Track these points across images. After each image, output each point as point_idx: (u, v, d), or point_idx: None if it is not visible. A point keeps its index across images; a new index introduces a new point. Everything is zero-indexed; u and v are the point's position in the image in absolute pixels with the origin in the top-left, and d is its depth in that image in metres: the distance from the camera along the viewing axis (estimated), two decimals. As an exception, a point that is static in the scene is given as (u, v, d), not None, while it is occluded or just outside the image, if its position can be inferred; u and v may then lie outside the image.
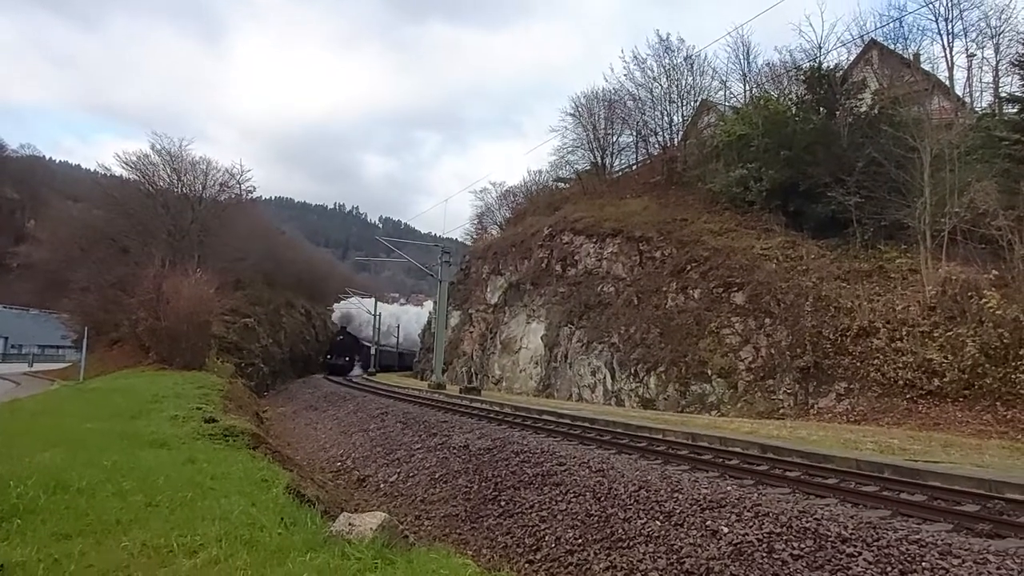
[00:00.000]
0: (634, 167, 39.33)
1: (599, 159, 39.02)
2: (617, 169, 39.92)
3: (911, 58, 28.47)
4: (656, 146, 36.42)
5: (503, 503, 9.01)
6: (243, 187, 43.41)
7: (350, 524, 5.16)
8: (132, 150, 57.96)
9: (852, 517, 5.86)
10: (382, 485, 11.90)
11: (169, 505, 5.92)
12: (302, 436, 18.60)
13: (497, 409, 16.26)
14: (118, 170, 39.42)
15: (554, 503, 8.36)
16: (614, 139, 38.89)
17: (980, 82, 27.08)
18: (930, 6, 26.06)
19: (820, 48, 27.44)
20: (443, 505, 9.91)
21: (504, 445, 10.97)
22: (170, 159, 37.83)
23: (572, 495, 8.34)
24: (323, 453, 15.61)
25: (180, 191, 38.15)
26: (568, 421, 14.33)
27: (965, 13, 26.10)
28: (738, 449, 10.82)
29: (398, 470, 12.18)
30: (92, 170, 44.70)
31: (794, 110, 26.01)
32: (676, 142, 35.12)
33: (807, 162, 22.96)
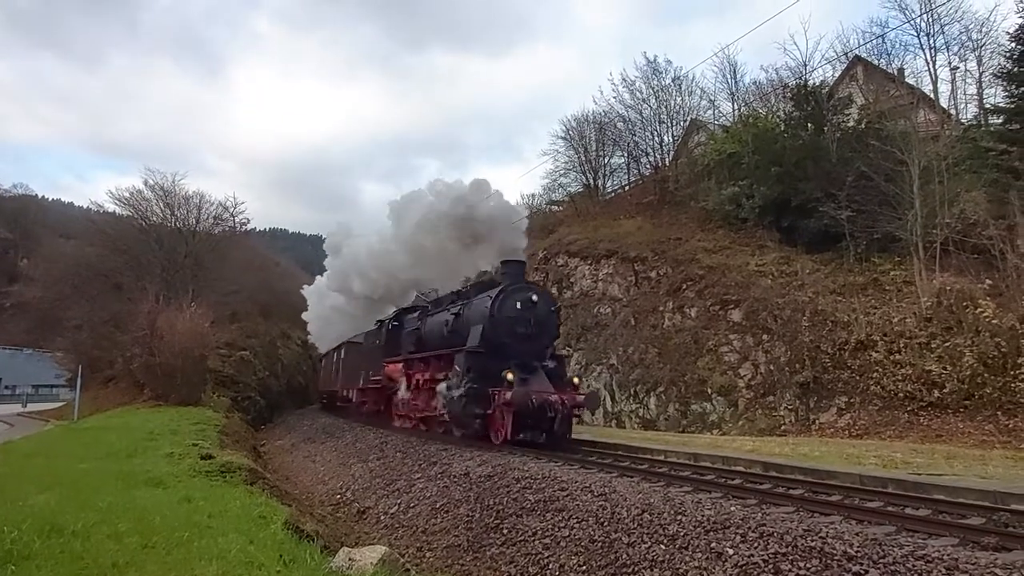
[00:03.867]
0: (626, 188, 39.64)
1: (591, 181, 39.35)
2: (609, 190, 40.23)
3: (895, 73, 28.97)
4: (647, 166, 36.75)
5: (505, 531, 8.89)
6: (237, 219, 43.49)
7: (350, 559, 5.10)
8: (126, 186, 58.15)
9: (857, 534, 5.79)
10: (382, 517, 11.75)
11: (166, 546, 5.83)
12: (300, 469, 18.40)
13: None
14: (111, 207, 39.50)
15: (557, 529, 8.25)
16: (605, 160, 39.29)
17: (964, 94, 27.57)
18: (911, 22, 26.58)
19: (805, 66, 27.89)
20: (445, 536, 9.78)
21: (505, 472, 10.86)
22: (163, 194, 37.94)
23: (575, 521, 8.23)
24: (322, 486, 15.43)
25: (173, 226, 38.19)
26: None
27: (946, 27, 26.63)
28: (740, 468, 10.75)
29: (398, 501, 12.03)
30: (85, 207, 44.74)
31: (782, 127, 26.38)
32: (667, 162, 35.45)
33: (798, 178, 23.19)
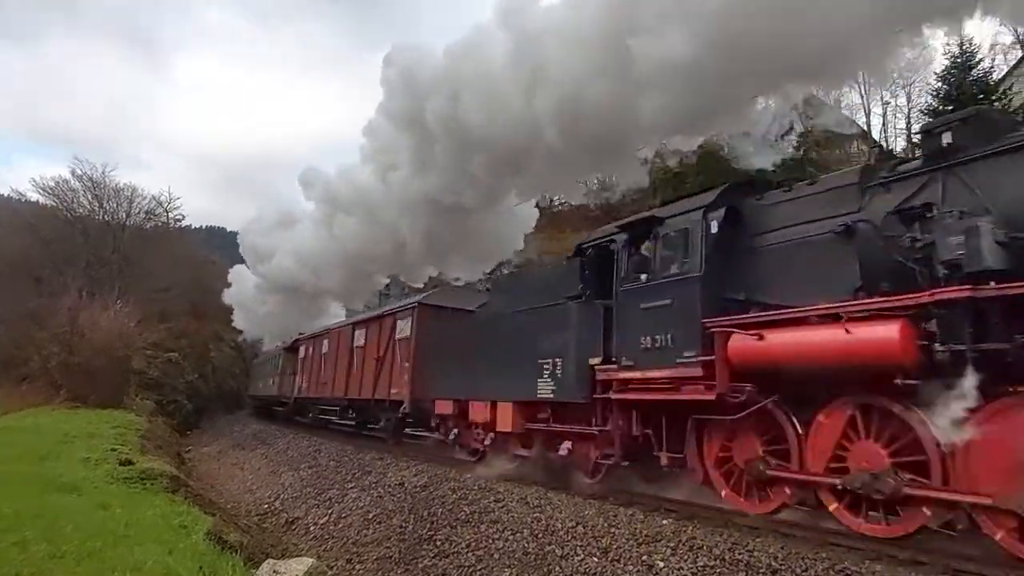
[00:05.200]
0: (574, 201, 40.06)
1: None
2: (556, 204, 40.58)
3: (833, 104, 30.51)
4: (595, 182, 37.28)
5: (439, 543, 8.77)
6: (171, 215, 41.91)
7: (275, 571, 4.92)
8: (52, 175, 55.24)
9: (782, 548, 5.96)
10: (312, 528, 11.43)
11: (76, 556, 5.52)
12: (228, 477, 17.73)
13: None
14: (34, 196, 37.40)
15: (491, 541, 8.19)
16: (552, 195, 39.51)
17: (895, 128, 29.30)
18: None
19: (750, 92, 28.87)
20: (376, 547, 9.58)
21: (441, 482, 10.74)
22: (92, 185, 36.22)
23: (509, 532, 8.20)
24: (250, 495, 14.91)
25: (101, 218, 36.48)
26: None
27: None
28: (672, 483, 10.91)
29: (330, 511, 11.73)
30: (5, 195, 42.18)
31: (727, 149, 27.21)
32: (614, 177, 36.01)
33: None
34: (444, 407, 12.74)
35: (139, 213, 38.79)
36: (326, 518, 11.52)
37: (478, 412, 11.38)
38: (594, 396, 8.86)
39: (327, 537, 10.77)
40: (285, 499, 13.57)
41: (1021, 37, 26.22)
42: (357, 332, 18.71)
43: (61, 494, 8.17)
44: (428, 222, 20.15)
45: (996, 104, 21.50)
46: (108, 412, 20.66)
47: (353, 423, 18.92)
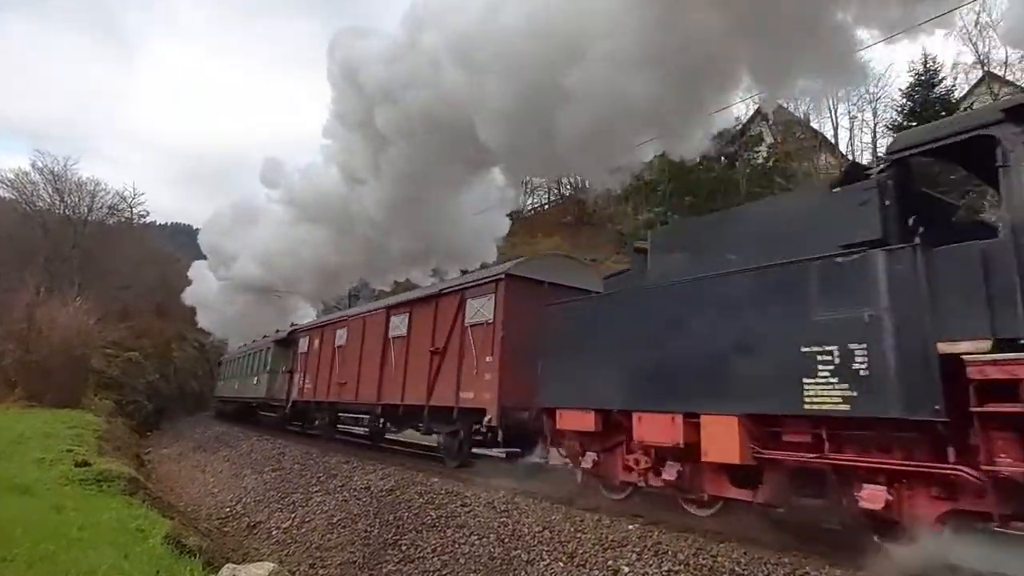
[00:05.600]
0: (546, 207, 40.34)
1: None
2: (529, 208, 40.76)
3: (802, 116, 31.26)
4: (568, 187, 37.57)
5: (404, 548, 8.68)
6: (135, 210, 40.99)
7: (234, 576, 4.80)
8: (11, 167, 53.66)
9: (745, 553, 6.03)
10: (275, 532, 11.21)
11: (27, 560, 5.34)
12: (188, 480, 17.33)
13: (401, 449, 15.83)
14: (-8, 188, 36.23)
15: (456, 546, 8.14)
16: (527, 178, 39.78)
17: (860, 142, 30.16)
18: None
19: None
20: (340, 552, 9.44)
21: (408, 486, 10.64)
22: (53, 178, 35.24)
23: (476, 537, 8.15)
24: (211, 498, 14.59)
25: (62, 213, 35.51)
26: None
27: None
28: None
29: (293, 515, 11.53)
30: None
31: (698, 159, 27.67)
32: (587, 184, 36.34)
33: (709, 209, 24.39)
34: (577, 420, 8.76)
35: (101, 208, 37.92)
36: (289, 522, 11.32)
37: (655, 429, 7.48)
38: (968, 409, 4.85)
39: (290, 541, 10.59)
40: (247, 502, 13.31)
41: (982, 57, 27.14)
42: (396, 318, 14.39)
43: (13, 496, 7.88)
44: (397, 228, 20.01)
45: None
46: (65, 412, 20.03)
47: (383, 435, 16.09)
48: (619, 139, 13.03)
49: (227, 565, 5.90)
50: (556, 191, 39.59)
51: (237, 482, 15.13)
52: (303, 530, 10.78)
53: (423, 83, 15.46)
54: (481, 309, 11.39)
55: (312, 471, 13.55)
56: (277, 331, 24.57)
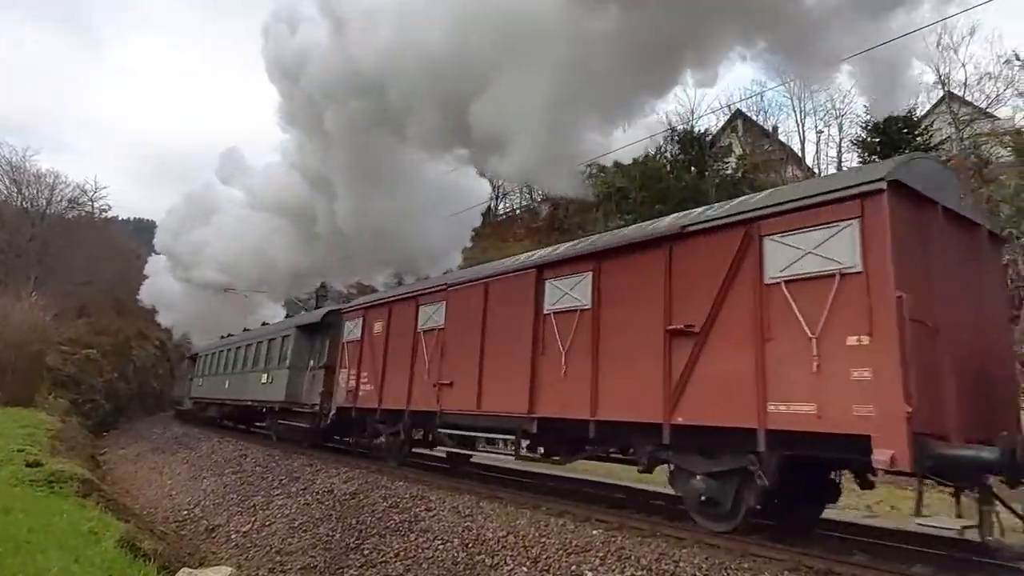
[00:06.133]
0: (518, 211, 40.42)
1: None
2: (501, 212, 40.79)
3: (770, 130, 31.93)
4: (540, 192, 37.69)
5: (366, 552, 8.57)
6: (96, 204, 39.95)
7: (189, 581, 4.68)
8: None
9: (707, 558, 6.09)
10: (234, 535, 10.98)
11: (-31, 564, 5.11)
12: (145, 482, 16.88)
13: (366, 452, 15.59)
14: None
15: (420, 551, 8.06)
16: (499, 183, 39.82)
17: (826, 156, 30.89)
18: (786, 85, 29.32)
19: (693, 113, 30.04)
20: (301, 556, 9.28)
21: (372, 489, 10.53)
22: (10, 169, 34.21)
23: (439, 542, 8.09)
24: (168, 501, 14.24)
25: (19, 204, 34.44)
26: (438, 464, 13.88)
27: (814, 94, 30.00)
28: (604, 493, 11.00)
29: (253, 518, 11.30)
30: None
31: (669, 168, 28.07)
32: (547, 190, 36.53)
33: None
34: None
35: (61, 201, 36.91)
36: (249, 525, 11.09)
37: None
38: None
39: (249, 545, 10.37)
40: (206, 505, 13.01)
41: (943, 78, 28.03)
42: (560, 282, 9.17)
43: (-43, 497, 7.59)
44: (360, 226, 19.65)
45: (918, 139, 22.88)
46: (17, 411, 19.36)
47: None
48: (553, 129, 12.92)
49: (183, 569, 5.76)
50: (528, 195, 39.69)
51: (196, 484, 14.79)
52: (263, 534, 10.57)
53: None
54: (816, 250, 6.23)
55: (274, 474, 13.32)
56: (293, 313, 23.30)
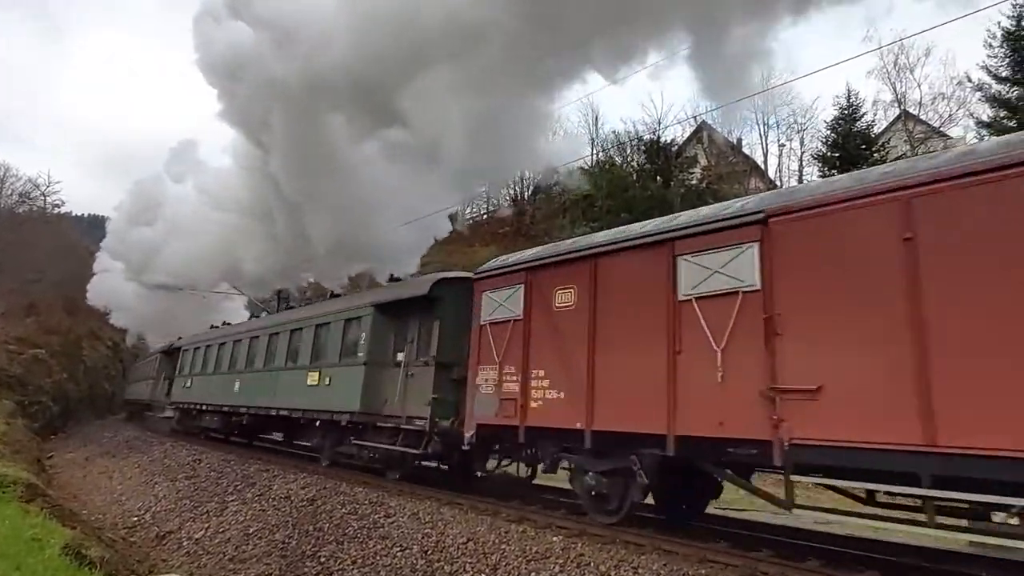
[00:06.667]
0: (485, 216, 40.42)
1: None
2: (468, 217, 40.70)
3: (735, 142, 32.60)
4: (507, 198, 37.80)
5: (323, 559, 8.42)
6: (49, 199, 38.65)
7: (135, 591, 4.50)
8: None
9: (665, 565, 6.12)
10: (186, 542, 10.68)
11: None
12: (94, 487, 16.33)
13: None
14: None
15: (378, 558, 7.95)
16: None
17: (788, 169, 31.66)
18: (750, 98, 30.05)
19: (659, 123, 30.51)
20: (255, 564, 9.07)
21: (331, 495, 10.35)
22: (-43, 161, 32.78)
23: (398, 549, 7.99)
24: (118, 507, 13.80)
25: (-33, 198, 33.08)
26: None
27: (778, 109, 30.87)
28: (566, 499, 11.03)
29: (206, 525, 11.02)
30: None
31: (635, 176, 28.44)
32: (526, 196, 36.73)
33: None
34: None
35: (11, 195, 35.58)
36: (202, 532, 10.81)
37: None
38: None
39: (202, 553, 10.10)
40: (157, 511, 12.64)
41: (899, 97, 29.02)
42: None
43: None
44: (315, 224, 19.06)
45: (875, 155, 23.59)
46: (-44, 412, 18.59)
47: None
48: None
49: (129, 578, 5.57)
50: (495, 201, 39.76)
51: (147, 490, 14.36)
52: (216, 541, 10.31)
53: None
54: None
55: (229, 479, 13.01)
56: (257, 315, 20.76)
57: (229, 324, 22.13)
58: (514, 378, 8.75)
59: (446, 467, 11.20)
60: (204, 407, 19.31)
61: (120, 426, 27.91)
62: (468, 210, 40.90)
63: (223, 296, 28.81)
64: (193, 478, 13.97)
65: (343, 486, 10.68)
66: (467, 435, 9.25)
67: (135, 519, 12.66)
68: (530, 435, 8.43)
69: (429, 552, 7.66)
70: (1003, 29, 21.41)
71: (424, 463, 11.09)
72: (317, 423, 13.10)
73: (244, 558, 9.35)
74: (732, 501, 10.42)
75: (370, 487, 10.50)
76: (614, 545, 6.82)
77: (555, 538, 7.23)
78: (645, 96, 50.11)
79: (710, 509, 9.01)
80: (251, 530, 10.13)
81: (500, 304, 9.28)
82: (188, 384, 21.58)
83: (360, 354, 12.00)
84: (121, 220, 33.20)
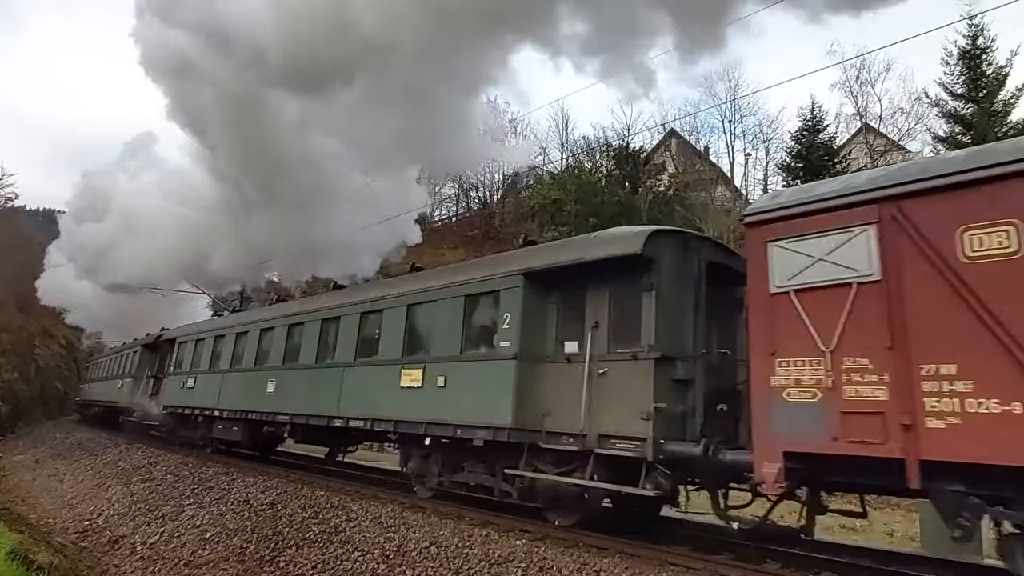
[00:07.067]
0: (454, 219, 40.33)
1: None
2: (437, 219, 40.58)
3: (702, 150, 33.09)
4: (476, 201, 37.80)
5: (282, 564, 8.25)
6: (2, 192, 37.33)
7: (81, 598, 4.35)
8: None
9: (626, 568, 6.14)
10: (139, 547, 10.38)
11: None
12: (44, 490, 15.78)
13: (287, 460, 15.13)
14: None
15: (338, 562, 7.82)
16: (436, 189, 39.66)
17: (753, 178, 32.24)
18: (718, 108, 30.52)
19: (628, 130, 30.81)
20: (212, 569, 8.86)
21: (291, 499, 10.16)
22: (-97, 150, 31.43)
23: (359, 553, 7.87)
24: (68, 511, 13.35)
25: (-86, 189, 31.74)
26: (364, 473, 13.55)
27: (744, 118, 31.41)
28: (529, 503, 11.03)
29: (162, 529, 10.72)
30: None
31: (603, 182, 28.66)
32: (496, 199, 36.76)
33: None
34: None
35: (-39, 187, 34.16)
36: (157, 537, 10.51)
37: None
38: None
39: (156, 558, 9.82)
40: (110, 516, 12.26)
41: (861, 110, 29.80)
42: None
43: None
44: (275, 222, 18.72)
45: (837, 167, 24.18)
46: None
47: None
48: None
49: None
50: (465, 204, 39.72)
51: (100, 493, 13.92)
52: (172, 546, 10.03)
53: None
54: None
55: (186, 482, 12.68)
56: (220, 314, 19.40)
57: (243, 309, 19.61)
58: (874, 378, 5.37)
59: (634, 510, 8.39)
60: (216, 413, 15.36)
61: (73, 427, 27.04)
62: (437, 212, 40.80)
63: (184, 296, 28.03)
64: (148, 481, 13.59)
65: (304, 489, 10.50)
66: (767, 470, 5.79)
67: (87, 523, 12.26)
68: (932, 472, 5.06)
69: (391, 556, 7.56)
70: (959, 48, 22.15)
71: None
72: (427, 440, 9.18)
73: (200, 563, 9.12)
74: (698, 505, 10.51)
75: (332, 491, 10.34)
76: (577, 549, 6.82)
77: (518, 542, 7.20)
78: (615, 102, 50.68)
79: (670, 512, 8.51)
80: (208, 534, 9.88)
81: (818, 259, 5.84)
82: (189, 384, 17.37)
83: (506, 343, 8.36)
84: (71, 216, 32.14)
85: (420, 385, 9.43)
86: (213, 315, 24.54)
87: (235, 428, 14.64)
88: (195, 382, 17.08)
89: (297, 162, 17.05)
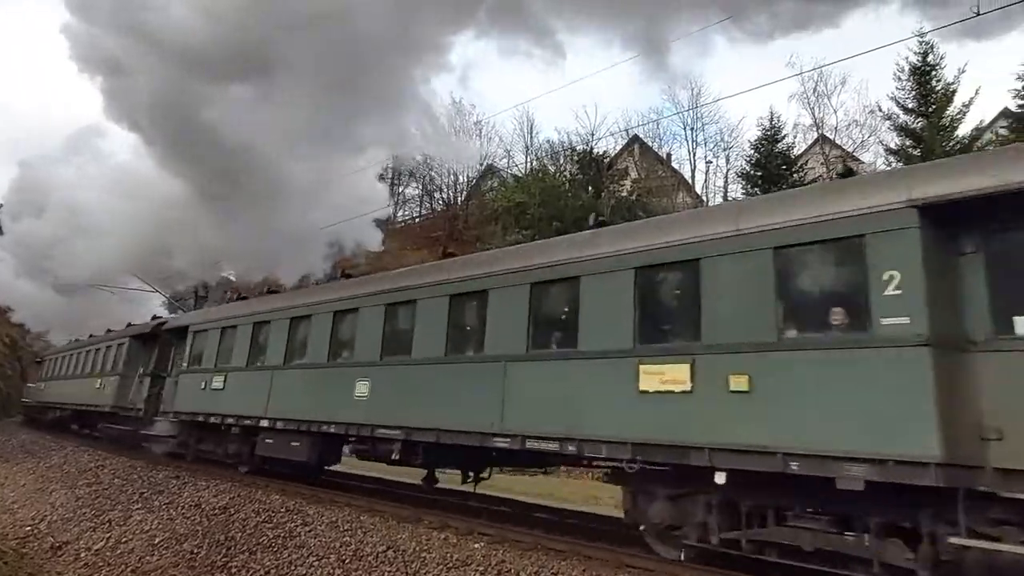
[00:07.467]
0: (417, 220, 40.07)
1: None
2: (400, 220, 40.28)
3: (664, 156, 33.57)
4: (440, 202, 37.63)
5: (234, 570, 8.05)
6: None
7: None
8: None
9: (584, 571, 6.16)
10: (84, 554, 10.00)
11: None
12: (-18, 494, 15.10)
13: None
14: None
15: (293, 568, 7.66)
16: (400, 190, 39.39)
17: (714, 185, 32.88)
18: (680, 115, 31.03)
19: (592, 135, 31.11)
20: (160, 575, 8.57)
21: (244, 503, 9.92)
22: None
23: (314, 558, 7.72)
24: (8, 516, 12.81)
25: None
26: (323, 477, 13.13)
27: (706, 126, 32.12)
28: (486, 506, 10.97)
29: (108, 535, 10.35)
30: None
31: (567, 186, 28.82)
32: (460, 201, 36.66)
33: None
34: None
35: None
36: (103, 543, 10.14)
37: None
38: None
39: (101, 564, 9.48)
40: (53, 521, 11.79)
41: (818, 122, 30.62)
42: None
43: None
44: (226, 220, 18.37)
45: (794, 176, 24.78)
46: None
47: None
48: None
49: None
50: (428, 205, 39.54)
51: (43, 497, 13.39)
52: (118, 552, 9.69)
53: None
54: None
55: (135, 486, 12.29)
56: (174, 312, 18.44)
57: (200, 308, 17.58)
58: None
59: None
60: (262, 422, 11.69)
61: (15, 429, 25.94)
62: (400, 213, 40.52)
63: (135, 292, 27.05)
64: (95, 485, 13.12)
65: (258, 493, 10.27)
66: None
67: (28, 529, 11.77)
68: None
69: (347, 561, 7.44)
70: (910, 64, 22.92)
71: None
72: (719, 476, 5.87)
73: (148, 570, 8.83)
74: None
75: (287, 494, 10.13)
76: (535, 552, 6.81)
77: (477, 545, 7.16)
78: (580, 107, 51.10)
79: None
80: (157, 540, 9.57)
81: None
82: (215, 384, 13.55)
83: (898, 319, 5.16)
84: (6, 213, 30.79)
85: (688, 389, 6.14)
86: (170, 314, 23.59)
87: (295, 443, 10.92)
88: (224, 382, 13.33)
89: (241, 151, 16.64)
